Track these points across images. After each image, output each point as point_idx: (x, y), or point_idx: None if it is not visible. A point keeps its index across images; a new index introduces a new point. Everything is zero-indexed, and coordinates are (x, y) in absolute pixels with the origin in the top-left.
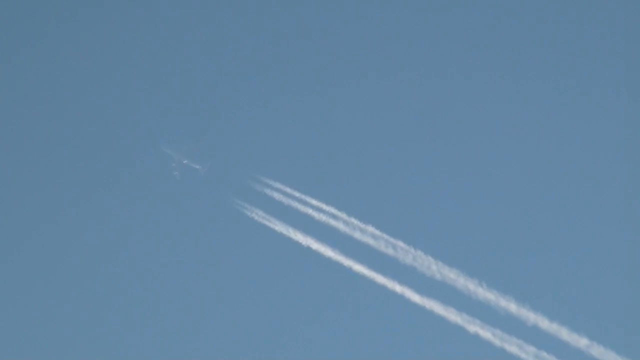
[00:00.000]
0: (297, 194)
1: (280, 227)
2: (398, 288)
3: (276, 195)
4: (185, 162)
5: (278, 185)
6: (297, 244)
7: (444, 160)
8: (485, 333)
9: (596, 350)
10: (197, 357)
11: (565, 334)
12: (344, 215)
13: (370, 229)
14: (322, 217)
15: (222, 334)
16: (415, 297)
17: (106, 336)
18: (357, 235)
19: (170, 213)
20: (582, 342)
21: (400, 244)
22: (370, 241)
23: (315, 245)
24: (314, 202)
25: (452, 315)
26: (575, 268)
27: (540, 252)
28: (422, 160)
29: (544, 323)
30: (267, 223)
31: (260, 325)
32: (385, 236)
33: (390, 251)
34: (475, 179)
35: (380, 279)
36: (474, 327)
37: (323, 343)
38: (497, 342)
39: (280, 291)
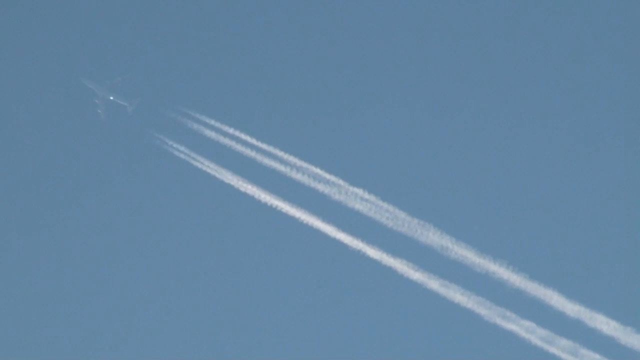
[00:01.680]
0: (233, 132)
1: (218, 171)
2: (326, 227)
3: (209, 134)
4: (111, 98)
5: (213, 122)
6: (235, 189)
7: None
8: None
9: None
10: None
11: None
12: (280, 153)
13: (306, 165)
14: (259, 157)
15: (146, 272)
16: (348, 239)
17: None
18: (293, 174)
19: (95, 155)
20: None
21: (337, 180)
22: (306, 180)
23: (251, 188)
24: (258, 143)
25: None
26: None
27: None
28: (372, 95)
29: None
30: (203, 167)
31: (180, 263)
32: (322, 173)
33: (326, 189)
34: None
35: (315, 221)
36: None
37: (246, 280)
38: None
39: (208, 232)
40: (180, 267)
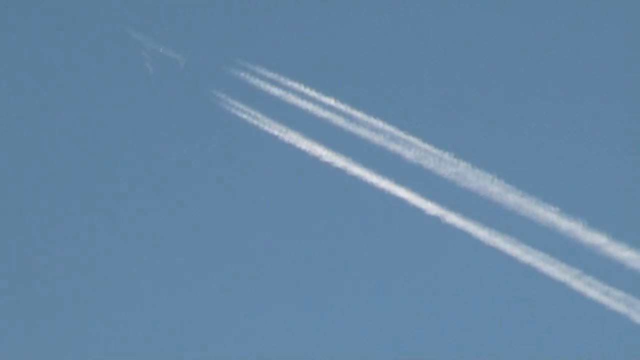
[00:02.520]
0: (301, 88)
1: (280, 130)
2: (404, 193)
3: (275, 91)
4: (160, 50)
5: (278, 77)
6: (307, 153)
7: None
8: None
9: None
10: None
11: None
12: (350, 110)
13: (379, 123)
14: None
15: (202, 236)
16: (425, 204)
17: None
18: (363, 132)
19: (145, 116)
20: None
21: (414, 140)
22: (380, 139)
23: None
24: (329, 100)
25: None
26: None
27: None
28: (432, 47)
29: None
30: (262, 125)
31: (243, 234)
32: (395, 131)
33: (399, 149)
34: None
35: (385, 183)
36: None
37: (316, 245)
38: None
39: (273, 200)
40: (249, 234)
